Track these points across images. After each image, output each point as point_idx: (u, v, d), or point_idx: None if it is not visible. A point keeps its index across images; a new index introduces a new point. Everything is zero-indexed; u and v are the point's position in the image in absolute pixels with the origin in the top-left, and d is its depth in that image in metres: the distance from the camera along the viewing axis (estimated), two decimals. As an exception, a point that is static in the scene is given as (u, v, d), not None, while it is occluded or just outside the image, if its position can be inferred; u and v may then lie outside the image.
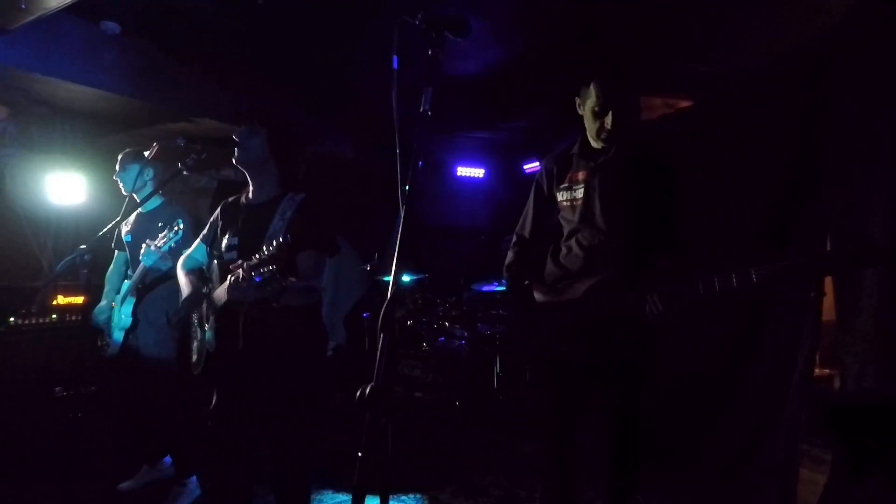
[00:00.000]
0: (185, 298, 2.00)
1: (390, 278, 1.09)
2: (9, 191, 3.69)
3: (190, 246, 2.17)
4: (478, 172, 5.86)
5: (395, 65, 1.18)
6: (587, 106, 1.91)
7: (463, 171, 5.81)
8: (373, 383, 0.97)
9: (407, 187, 1.13)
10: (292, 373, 1.88)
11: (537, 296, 1.99)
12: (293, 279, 1.78)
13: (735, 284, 1.53)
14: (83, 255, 1.46)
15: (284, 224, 1.85)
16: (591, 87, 1.88)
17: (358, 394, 0.96)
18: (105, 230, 1.55)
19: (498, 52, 3.44)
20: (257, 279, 1.59)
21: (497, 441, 3.64)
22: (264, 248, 1.62)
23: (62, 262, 1.53)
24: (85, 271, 1.49)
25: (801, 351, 2.38)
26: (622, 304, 1.77)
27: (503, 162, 5.85)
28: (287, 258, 1.65)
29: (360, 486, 0.94)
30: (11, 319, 3.25)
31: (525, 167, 5.46)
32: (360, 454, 0.92)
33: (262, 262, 1.60)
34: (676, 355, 2.74)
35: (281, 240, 1.59)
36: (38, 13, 2.42)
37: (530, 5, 2.92)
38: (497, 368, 3.94)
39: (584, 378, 1.92)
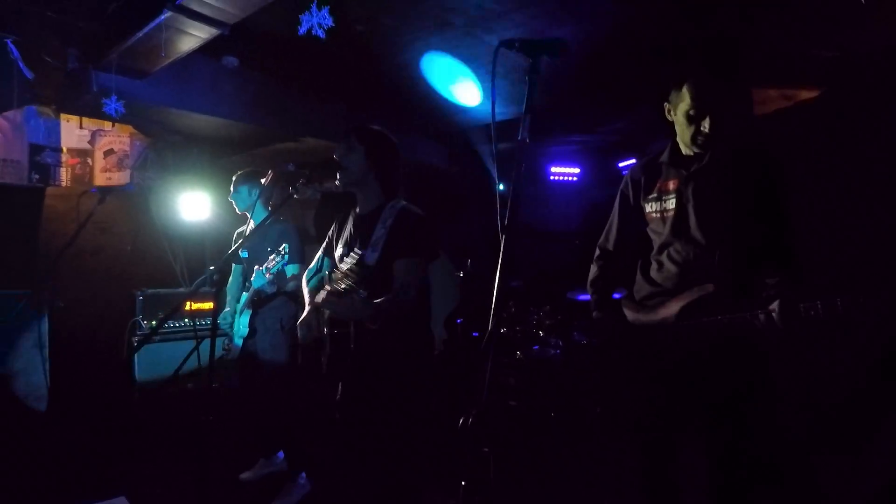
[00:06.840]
0: (301, 321, 2.08)
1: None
2: (151, 209, 4.22)
3: (296, 263, 2.31)
4: (573, 171, 5.73)
5: (493, 96, 1.18)
6: (680, 110, 1.72)
7: (556, 172, 5.70)
8: (475, 411, 0.98)
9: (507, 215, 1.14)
10: (395, 378, 1.96)
11: (627, 314, 1.86)
12: (382, 298, 1.84)
13: (860, 309, 1.35)
14: (213, 275, 1.64)
15: (386, 232, 1.93)
16: (685, 88, 1.69)
17: (461, 422, 0.98)
18: (230, 252, 1.73)
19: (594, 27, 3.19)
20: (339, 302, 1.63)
21: (593, 454, 3.52)
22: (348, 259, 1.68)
23: (196, 282, 1.73)
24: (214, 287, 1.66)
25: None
26: (725, 324, 1.60)
27: (598, 163, 5.65)
28: (376, 270, 1.71)
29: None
30: (154, 322, 3.71)
31: (620, 165, 5.23)
32: (462, 483, 0.94)
33: (346, 276, 1.66)
34: (800, 383, 2.47)
35: (359, 251, 1.63)
36: (174, 57, 2.75)
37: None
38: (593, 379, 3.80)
39: (683, 416, 1.77)
